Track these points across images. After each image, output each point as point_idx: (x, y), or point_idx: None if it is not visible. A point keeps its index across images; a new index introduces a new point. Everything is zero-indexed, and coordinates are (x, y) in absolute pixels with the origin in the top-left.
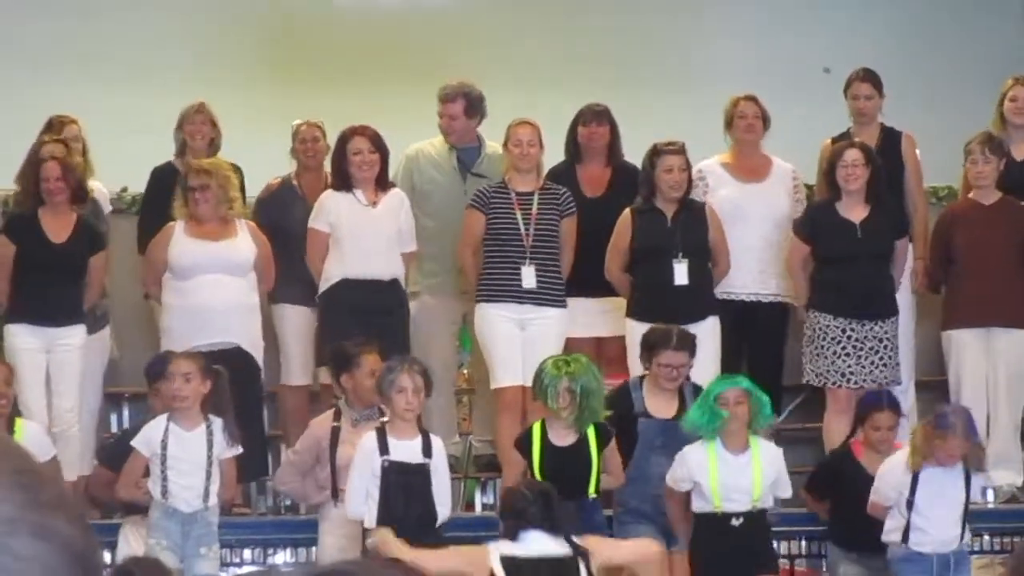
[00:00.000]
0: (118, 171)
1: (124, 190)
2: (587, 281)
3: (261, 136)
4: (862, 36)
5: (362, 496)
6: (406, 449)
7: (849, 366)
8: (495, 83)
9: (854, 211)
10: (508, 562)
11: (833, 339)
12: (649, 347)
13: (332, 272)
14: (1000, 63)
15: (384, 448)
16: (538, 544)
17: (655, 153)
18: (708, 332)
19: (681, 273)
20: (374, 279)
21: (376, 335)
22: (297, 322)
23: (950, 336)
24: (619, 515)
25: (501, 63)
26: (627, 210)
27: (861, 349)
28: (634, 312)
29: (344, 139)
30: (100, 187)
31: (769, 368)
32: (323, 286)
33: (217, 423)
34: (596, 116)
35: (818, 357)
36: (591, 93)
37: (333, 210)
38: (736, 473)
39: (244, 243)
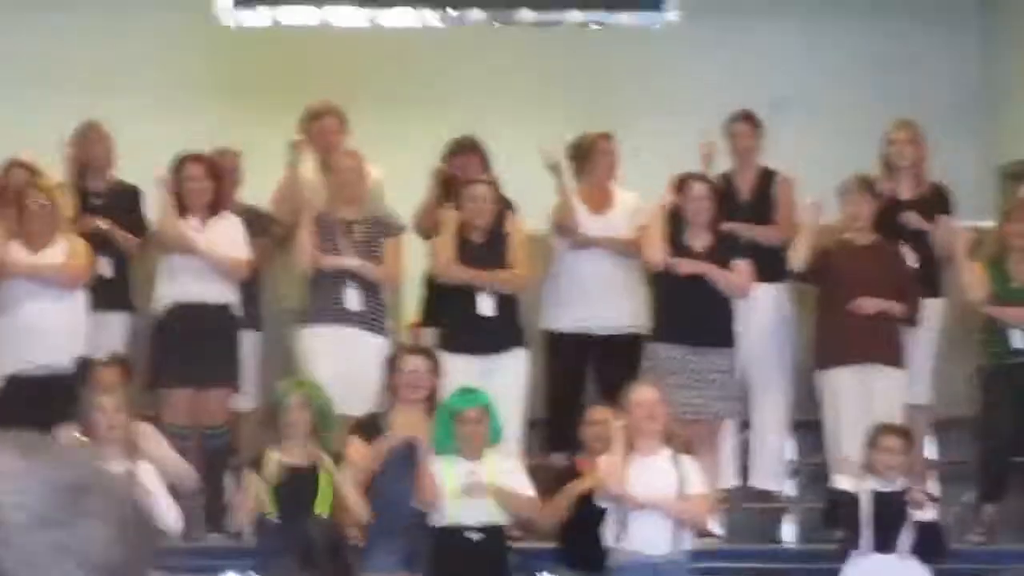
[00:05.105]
0: None
1: None
2: None
3: None
4: (812, 69)
5: None
6: None
7: (688, 398)
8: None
9: (697, 239)
10: None
11: (670, 371)
12: (391, 361)
13: (164, 294)
14: (955, 96)
15: None
16: None
17: (462, 185)
18: (514, 364)
19: (486, 304)
20: (203, 303)
21: (204, 359)
22: None
23: (825, 376)
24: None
25: (458, 90)
26: (451, 209)
27: (701, 380)
28: (442, 343)
29: (179, 165)
30: None
31: None
32: (155, 309)
33: None
34: (466, 148)
35: None
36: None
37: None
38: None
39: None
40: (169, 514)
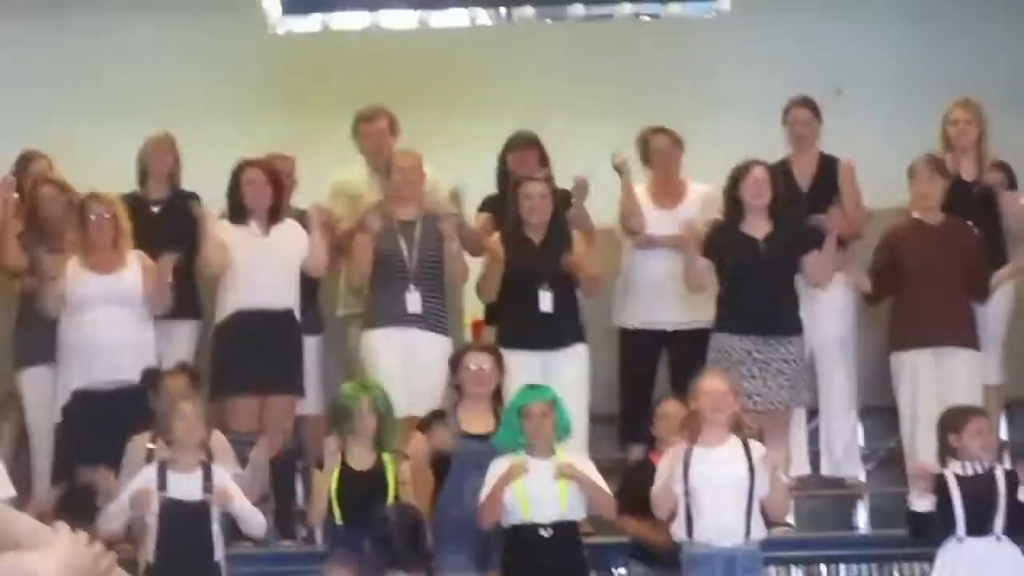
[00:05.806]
0: None
1: None
2: None
3: None
4: (871, 57)
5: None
6: (184, 484)
7: (755, 388)
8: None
9: (757, 227)
10: None
11: (736, 362)
12: (455, 360)
13: (227, 303)
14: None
15: (162, 483)
16: None
17: (517, 183)
18: (575, 360)
19: (546, 300)
20: (265, 309)
21: (269, 365)
22: None
23: (900, 358)
24: (436, 543)
25: (509, 88)
26: (496, 234)
27: (767, 371)
28: (502, 340)
29: (239, 171)
30: None
31: None
32: (218, 317)
33: None
34: (525, 143)
35: None
36: (603, 118)
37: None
38: (542, 480)
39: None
40: (247, 515)
